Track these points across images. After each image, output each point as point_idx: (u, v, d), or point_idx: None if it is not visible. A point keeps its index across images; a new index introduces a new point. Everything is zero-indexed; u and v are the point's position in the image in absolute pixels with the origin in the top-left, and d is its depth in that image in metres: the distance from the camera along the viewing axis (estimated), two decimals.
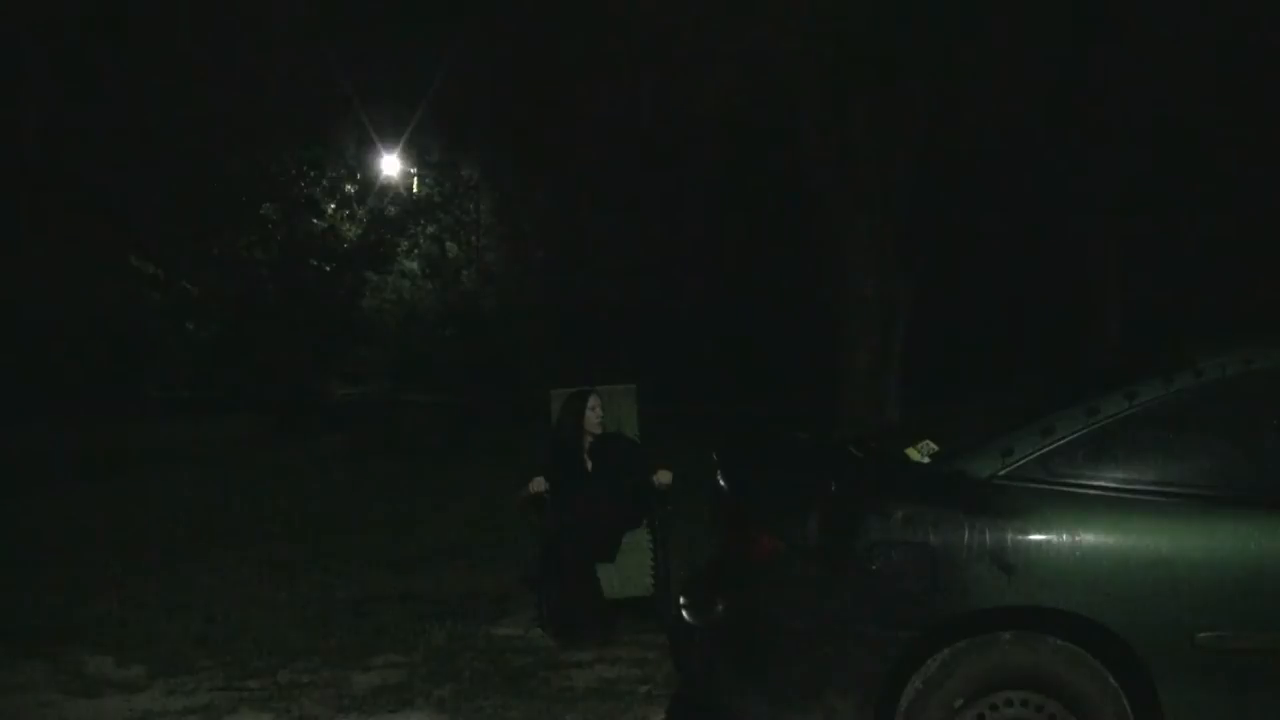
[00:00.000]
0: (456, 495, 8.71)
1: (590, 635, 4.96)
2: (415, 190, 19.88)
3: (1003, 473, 3.07)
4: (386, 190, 19.40)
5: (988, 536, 2.96)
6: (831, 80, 8.18)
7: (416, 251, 20.03)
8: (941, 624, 2.99)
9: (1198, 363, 3.14)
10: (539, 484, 5.27)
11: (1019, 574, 2.94)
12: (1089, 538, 2.95)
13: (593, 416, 5.51)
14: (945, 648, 3.00)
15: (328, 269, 18.90)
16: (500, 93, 14.71)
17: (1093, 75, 9.94)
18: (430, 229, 19.85)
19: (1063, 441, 3.08)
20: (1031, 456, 3.08)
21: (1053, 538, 2.96)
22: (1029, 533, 2.96)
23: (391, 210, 19.48)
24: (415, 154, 18.81)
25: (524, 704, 4.24)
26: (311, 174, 18.60)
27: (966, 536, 2.97)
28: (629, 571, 5.19)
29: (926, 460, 3.28)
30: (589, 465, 5.47)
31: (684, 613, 3.59)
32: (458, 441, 11.83)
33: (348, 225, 19.24)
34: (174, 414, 14.96)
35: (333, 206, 19.04)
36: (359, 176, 19.15)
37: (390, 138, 17.62)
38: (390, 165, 18.93)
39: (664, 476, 5.22)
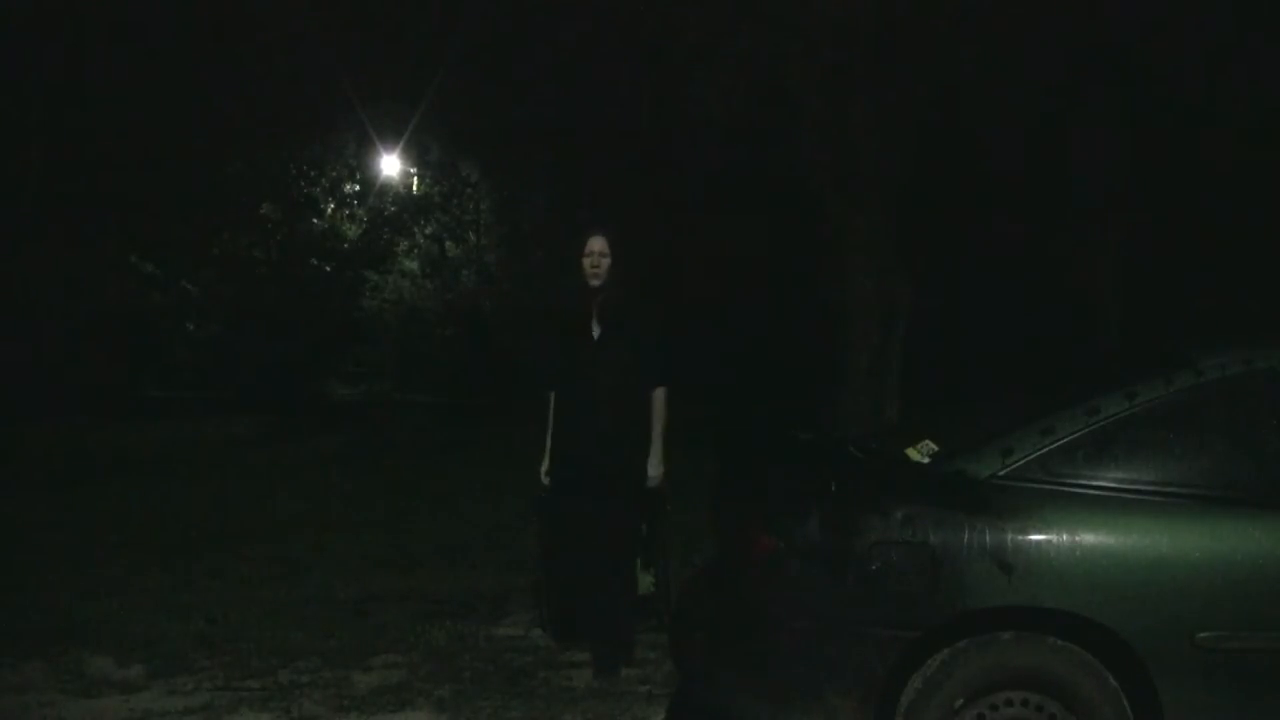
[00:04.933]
0: (456, 495, 8.71)
1: (590, 635, 4.68)
2: (415, 190, 19.88)
3: (1003, 473, 3.08)
4: (386, 190, 19.42)
5: (988, 536, 2.97)
6: (831, 80, 8.18)
7: (416, 251, 20.05)
8: (941, 624, 2.99)
9: (1198, 363, 3.15)
10: (545, 473, 4.80)
11: (1019, 574, 2.94)
12: (1089, 538, 2.95)
13: (595, 263, 4.60)
14: (945, 648, 3.01)
15: (328, 269, 18.95)
16: (500, 92, 14.70)
17: (1093, 74, 9.94)
18: (430, 229, 19.87)
19: (1063, 441, 3.09)
20: (1031, 456, 3.08)
21: (1053, 538, 2.96)
22: (1029, 533, 2.97)
23: (391, 210, 19.50)
24: (415, 154, 18.81)
25: (524, 704, 4.24)
26: (311, 174, 18.63)
27: (966, 536, 2.97)
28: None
29: (926, 460, 3.28)
30: (595, 330, 4.64)
31: (684, 613, 3.59)
32: (458, 441, 11.83)
33: (348, 225, 19.28)
34: (174, 414, 14.95)
35: (333, 206, 19.08)
36: (359, 176, 19.18)
37: (390, 138, 17.62)
38: (390, 165, 18.95)
39: (654, 469, 4.70)
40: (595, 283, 4.61)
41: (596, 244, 4.61)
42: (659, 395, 4.67)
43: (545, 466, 4.80)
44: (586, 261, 4.60)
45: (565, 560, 4.79)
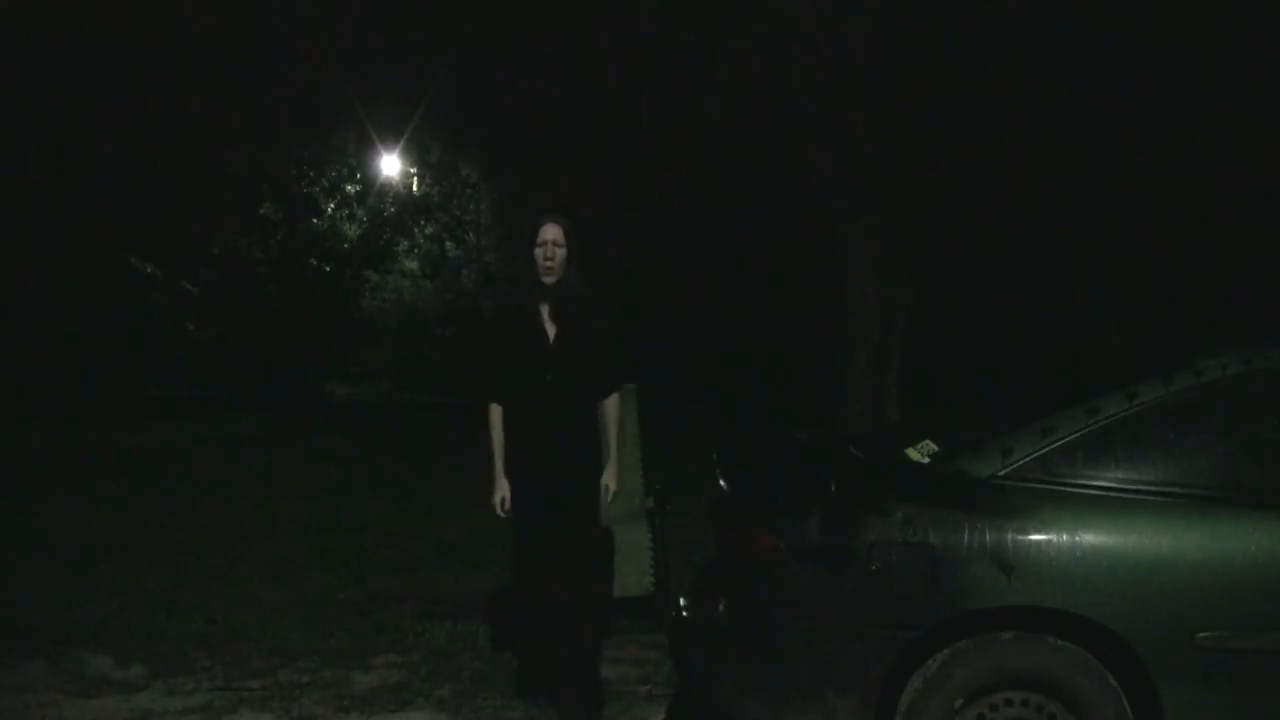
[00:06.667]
0: (456, 495, 8.71)
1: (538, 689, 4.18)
2: (415, 190, 19.90)
3: (1003, 473, 3.08)
4: (386, 190, 19.44)
5: (988, 536, 2.97)
6: (831, 80, 8.18)
7: (416, 251, 20.07)
8: (941, 624, 2.99)
9: (1198, 363, 3.14)
10: (501, 502, 4.18)
11: (1019, 574, 2.94)
12: (1089, 538, 2.95)
13: (549, 254, 3.98)
14: (945, 648, 3.01)
15: (328, 269, 18.97)
16: (500, 93, 14.71)
17: (1093, 75, 9.95)
18: (430, 229, 19.89)
19: (1063, 441, 3.08)
20: (1031, 456, 3.08)
21: (1053, 538, 2.96)
22: (1029, 533, 2.97)
23: (391, 210, 19.52)
24: (415, 154, 18.83)
25: (524, 704, 4.24)
26: (311, 174, 18.66)
27: (966, 536, 2.97)
28: (629, 571, 5.17)
29: (926, 460, 3.28)
30: (550, 331, 4.05)
31: (684, 613, 3.59)
32: (458, 441, 11.83)
33: (348, 225, 19.30)
34: (174, 414, 14.96)
35: (333, 206, 19.10)
36: (359, 176, 19.20)
37: (390, 138, 17.63)
38: (390, 165, 18.97)
39: (614, 484, 4.14)
40: (549, 278, 4.00)
41: (550, 232, 4.00)
42: (613, 403, 4.16)
43: (499, 495, 4.16)
44: (539, 252, 3.99)
45: (537, 591, 4.11)
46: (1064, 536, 2.96)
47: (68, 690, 4.44)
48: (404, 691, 4.41)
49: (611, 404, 4.17)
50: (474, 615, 5.42)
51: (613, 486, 4.13)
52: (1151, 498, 3.02)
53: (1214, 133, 10.47)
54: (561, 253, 4.00)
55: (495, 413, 4.19)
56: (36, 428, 12.25)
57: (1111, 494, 3.03)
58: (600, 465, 4.12)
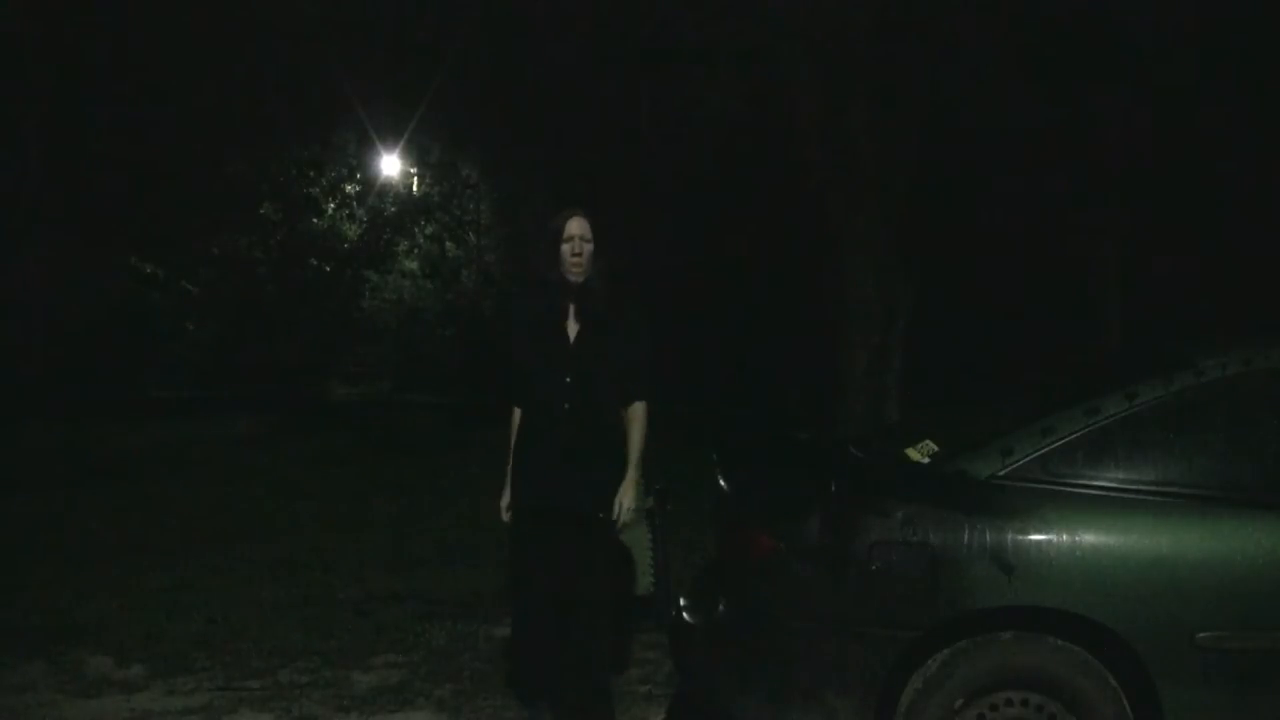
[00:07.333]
0: (456, 495, 8.71)
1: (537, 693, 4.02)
2: (415, 190, 19.90)
3: (1003, 473, 3.08)
4: (386, 190, 19.44)
5: (988, 536, 2.97)
6: (831, 80, 8.19)
7: (416, 251, 20.06)
8: (941, 624, 2.99)
9: (1198, 363, 3.14)
10: (506, 507, 3.97)
11: (1019, 574, 2.94)
12: (1089, 538, 2.95)
13: (577, 249, 3.77)
14: (945, 648, 3.01)
15: (328, 269, 18.97)
16: (500, 93, 14.72)
17: (1093, 76, 9.95)
18: (430, 229, 19.89)
19: (1063, 441, 3.08)
20: (1031, 456, 3.08)
21: (1053, 538, 2.96)
22: (1029, 533, 2.97)
23: (391, 210, 19.53)
24: (415, 154, 18.82)
25: (523, 705, 4.24)
26: (311, 174, 18.65)
27: (966, 536, 2.97)
28: (629, 571, 5.16)
29: (926, 460, 3.28)
30: (571, 330, 3.81)
31: (684, 613, 3.59)
32: (458, 441, 11.83)
33: (348, 225, 19.29)
34: (174, 414, 14.94)
35: (333, 206, 19.10)
36: (359, 176, 19.20)
37: (390, 138, 17.64)
38: (390, 165, 18.98)
39: (631, 501, 3.81)
40: (577, 275, 3.76)
41: (577, 226, 3.77)
42: (638, 411, 3.84)
43: (507, 500, 3.94)
44: (567, 248, 3.75)
45: (536, 603, 3.94)
46: (1064, 536, 2.96)
47: (68, 690, 4.44)
48: (404, 691, 4.41)
49: (635, 413, 3.84)
50: (474, 615, 5.42)
51: (628, 504, 3.80)
52: (1151, 498, 3.02)
53: (1214, 133, 10.47)
54: (589, 248, 3.78)
55: (515, 415, 3.98)
56: (36, 427, 12.24)
57: (1111, 494, 3.03)
58: (619, 475, 3.82)
